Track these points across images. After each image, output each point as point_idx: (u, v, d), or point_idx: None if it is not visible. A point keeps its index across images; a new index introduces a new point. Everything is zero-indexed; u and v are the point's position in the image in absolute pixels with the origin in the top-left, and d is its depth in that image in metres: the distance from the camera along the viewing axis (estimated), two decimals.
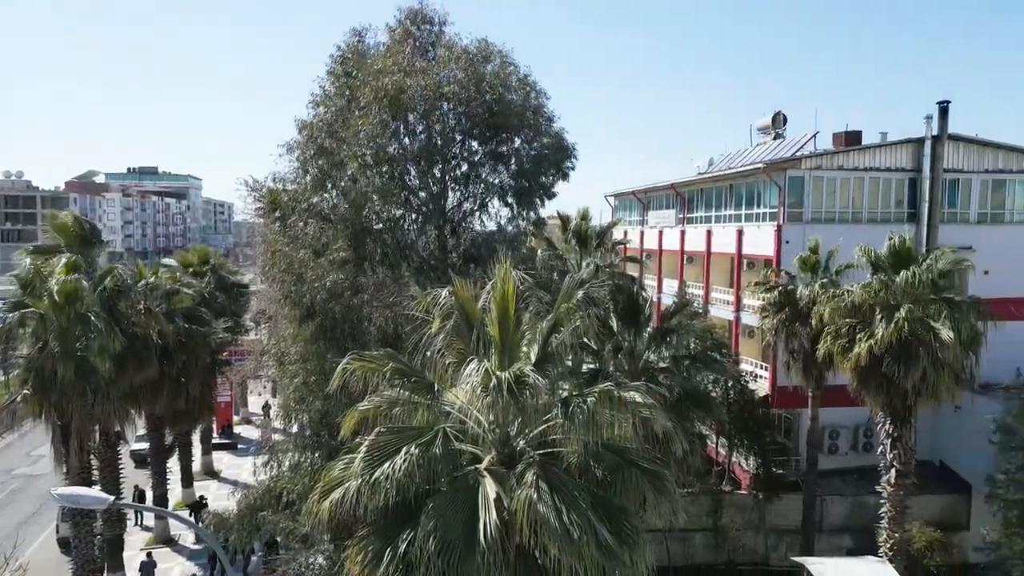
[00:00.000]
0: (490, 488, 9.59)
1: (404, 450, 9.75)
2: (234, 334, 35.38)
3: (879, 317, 20.18)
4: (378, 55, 20.22)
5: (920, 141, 29.96)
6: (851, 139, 32.05)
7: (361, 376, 10.87)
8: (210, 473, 38.12)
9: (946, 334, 19.06)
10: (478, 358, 10.29)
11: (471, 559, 8.96)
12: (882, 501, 21.98)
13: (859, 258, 22.10)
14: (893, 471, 21.32)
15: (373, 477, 9.53)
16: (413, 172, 21.01)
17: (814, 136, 33.61)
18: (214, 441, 40.18)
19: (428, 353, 11.21)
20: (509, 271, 10.71)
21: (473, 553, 8.95)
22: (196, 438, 36.70)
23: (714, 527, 28.44)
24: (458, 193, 22.01)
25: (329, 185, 20.36)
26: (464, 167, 21.70)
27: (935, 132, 29.73)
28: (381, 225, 20.81)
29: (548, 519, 9.15)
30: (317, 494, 10.27)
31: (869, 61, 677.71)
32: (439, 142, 20.55)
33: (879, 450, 21.91)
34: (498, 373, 9.81)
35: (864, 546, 25.76)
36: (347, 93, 20.20)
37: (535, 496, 9.36)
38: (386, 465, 9.59)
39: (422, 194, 21.34)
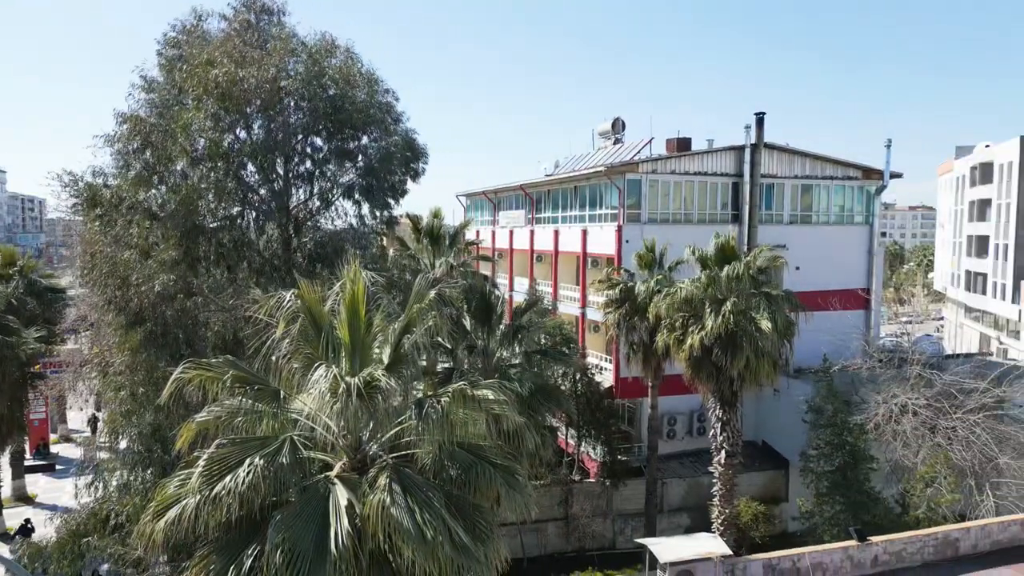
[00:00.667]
0: (341, 495, 9.34)
1: (248, 461, 9.26)
2: (48, 344, 31.94)
3: (708, 310, 21.82)
4: (215, 44, 19.03)
5: (741, 149, 32.78)
6: (682, 145, 34.40)
7: (198, 385, 10.19)
8: (23, 499, 34.17)
9: (765, 325, 20.95)
10: (327, 363, 9.96)
11: (322, 569, 8.69)
12: (714, 480, 23.81)
13: (689, 256, 23.79)
14: (723, 452, 23.15)
15: (214, 492, 8.97)
16: (252, 168, 19.96)
17: (650, 141, 35.74)
18: (27, 463, 36.19)
19: (273, 359, 10.72)
20: (359, 271, 10.48)
21: (324, 562, 8.68)
22: (5, 460, 32.83)
23: (565, 516, 29.50)
24: (303, 190, 21.20)
25: (156, 180, 18.87)
26: (308, 164, 20.93)
27: (753, 141, 32.65)
28: (216, 223, 19.58)
29: (402, 522, 9.06)
30: (151, 514, 9.49)
31: (701, 69, 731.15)
32: (280, 137, 19.66)
33: (711, 433, 23.70)
34: (347, 378, 9.57)
35: (700, 523, 27.83)
36: (177, 82, 18.83)
37: (388, 500, 9.24)
38: (228, 479, 9.06)
39: (262, 191, 20.33)
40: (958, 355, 37.41)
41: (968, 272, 65.39)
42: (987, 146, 62.93)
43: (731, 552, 14.46)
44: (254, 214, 20.37)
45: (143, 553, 13.62)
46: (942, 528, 17.04)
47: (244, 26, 19.66)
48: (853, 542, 15.84)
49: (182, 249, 18.41)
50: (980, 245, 62.12)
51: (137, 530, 9.66)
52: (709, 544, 13.62)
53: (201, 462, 9.36)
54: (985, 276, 60.73)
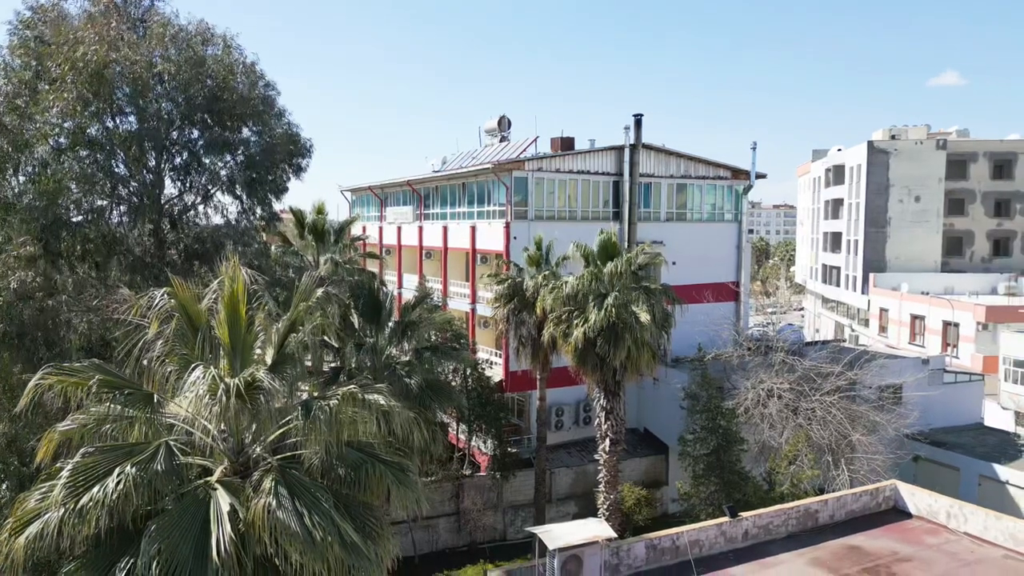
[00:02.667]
0: (223, 500, 9.00)
1: (118, 471, 8.73)
2: None
3: (592, 304, 22.58)
4: (82, 24, 17.66)
5: (621, 149, 34.06)
6: (566, 144, 35.33)
7: (60, 392, 9.50)
8: None
9: (645, 317, 21.93)
10: (204, 364, 9.56)
11: None
12: (599, 468, 24.68)
13: (575, 252, 24.53)
14: (607, 440, 24.04)
15: (80, 504, 8.40)
16: (122, 158, 18.72)
17: (535, 140, 36.47)
18: None
19: (145, 362, 10.16)
20: (239, 268, 10.12)
21: (205, 572, 8.35)
22: None
23: (456, 511, 29.65)
24: (178, 183, 20.11)
25: (11, 169, 17.33)
26: (184, 155, 19.87)
27: (632, 141, 34.01)
28: (82, 217, 18.23)
29: (289, 524, 8.86)
30: (8, 531, 8.76)
31: (582, 68, 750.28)
32: (154, 126, 18.55)
33: (596, 422, 24.56)
34: (227, 379, 9.23)
35: (587, 510, 28.76)
36: (35, 63, 17.36)
37: (274, 503, 9.00)
38: (96, 489, 8.51)
39: (133, 183, 19.11)
40: (816, 342, 40.66)
41: (824, 266, 71.01)
42: (839, 150, 68.45)
43: (616, 535, 15.08)
44: (124, 208, 19.11)
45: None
46: (804, 501, 18.52)
47: (109, 7, 18.38)
48: (726, 519, 16.94)
49: (42, 244, 17.01)
50: (834, 241, 67.57)
51: None
52: (595, 529, 14.16)
53: (65, 473, 8.74)
54: (839, 269, 66.17)
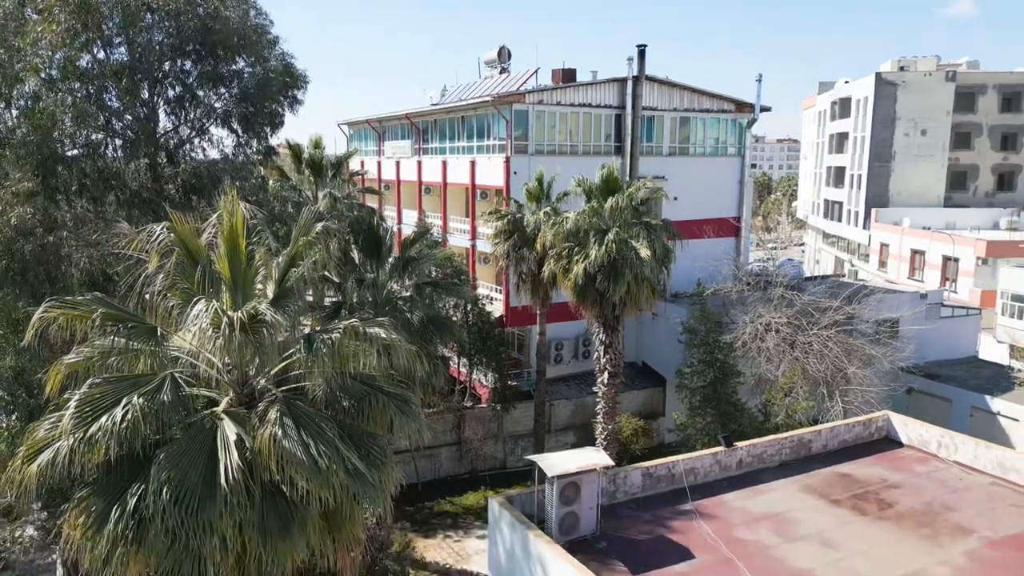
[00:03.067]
0: (229, 430, 9.22)
1: (125, 401, 8.92)
2: None
3: (592, 240, 22.55)
4: None
5: (624, 81, 33.33)
6: (567, 76, 34.55)
7: (65, 325, 9.61)
8: None
9: (645, 253, 21.94)
10: (206, 298, 9.63)
11: (212, 504, 8.61)
12: (598, 400, 25.16)
13: (575, 188, 24.34)
14: (606, 373, 24.42)
15: (89, 433, 8.62)
16: (114, 91, 18.36)
17: (535, 72, 35.66)
18: None
19: (147, 296, 10.23)
20: (237, 203, 10.07)
21: (214, 498, 8.61)
22: None
23: (458, 441, 30.37)
24: (172, 117, 19.79)
25: (3, 103, 17.05)
26: (178, 88, 19.48)
27: (635, 73, 33.25)
28: (77, 151, 18.03)
29: (295, 453, 9.09)
30: (21, 459, 9.02)
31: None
32: (145, 58, 18.13)
33: (595, 356, 24.89)
34: (230, 313, 9.31)
35: (585, 440, 29.44)
36: None
37: (280, 432, 9.21)
38: (104, 419, 8.71)
39: (127, 116, 18.81)
40: (815, 277, 40.81)
41: (827, 201, 70.53)
42: (846, 82, 67.03)
43: (613, 464, 15.49)
44: (119, 142, 18.87)
45: (14, 500, 12.98)
46: (797, 432, 18.94)
47: None
48: (721, 448, 17.35)
49: (39, 179, 16.88)
50: (838, 176, 66.92)
51: (6, 477, 9.19)
52: (593, 457, 14.52)
53: (73, 404, 8.93)
54: (841, 204, 65.74)
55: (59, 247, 16.51)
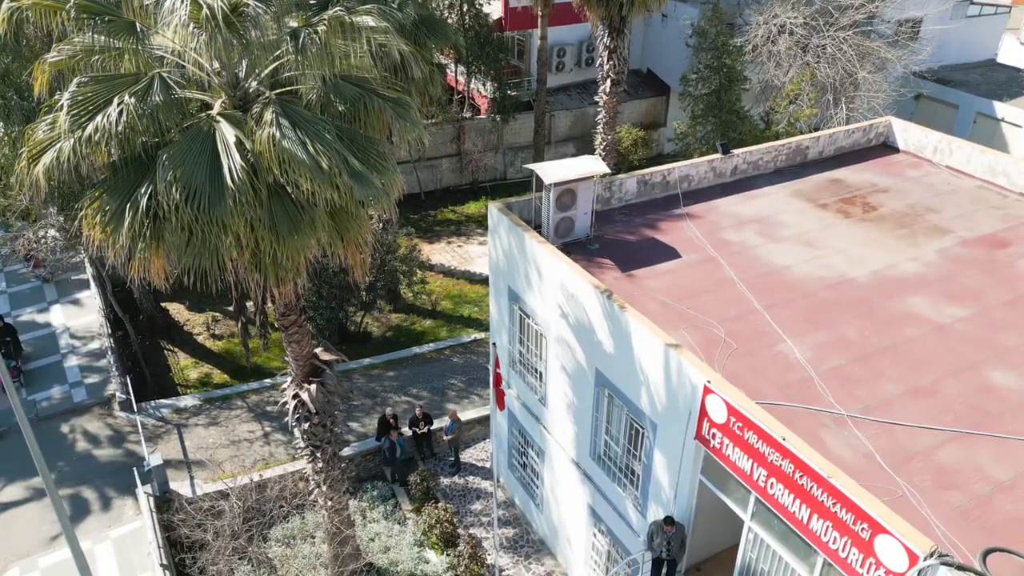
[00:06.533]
0: (228, 132, 9.19)
1: (116, 100, 8.76)
2: None
3: None
4: None
5: None
6: None
7: (38, 19, 9.08)
8: None
9: None
10: None
11: (222, 202, 8.90)
12: (599, 110, 24.74)
13: None
14: (608, 81, 23.64)
15: (86, 133, 8.62)
16: None
17: None
18: None
19: None
20: None
21: (222, 195, 8.88)
22: None
23: (458, 152, 30.57)
24: None
25: None
26: None
27: None
28: None
29: (296, 154, 9.15)
30: (25, 160, 9.15)
31: None
32: None
33: (598, 63, 23.90)
34: (209, 2, 8.70)
35: (585, 151, 29.61)
36: None
37: (278, 134, 9.18)
38: (99, 118, 8.63)
39: None
40: None
41: None
42: None
43: (610, 171, 15.71)
44: None
45: (29, 202, 13.48)
46: (795, 139, 18.86)
47: None
48: (718, 156, 17.45)
49: None
50: None
51: (15, 179, 9.40)
52: (591, 165, 14.67)
53: (65, 103, 8.78)
54: None
55: None
